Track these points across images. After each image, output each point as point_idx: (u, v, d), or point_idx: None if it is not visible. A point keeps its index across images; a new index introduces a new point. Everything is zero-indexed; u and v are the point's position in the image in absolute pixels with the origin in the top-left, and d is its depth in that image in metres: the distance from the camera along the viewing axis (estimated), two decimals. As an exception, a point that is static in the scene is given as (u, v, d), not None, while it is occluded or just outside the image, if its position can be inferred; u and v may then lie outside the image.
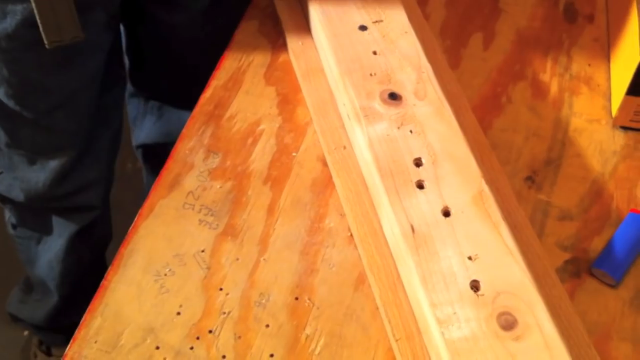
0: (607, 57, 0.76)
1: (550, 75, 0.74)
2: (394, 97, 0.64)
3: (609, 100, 0.72)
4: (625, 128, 0.70)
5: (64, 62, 0.76)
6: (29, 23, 0.69)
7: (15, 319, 1.17)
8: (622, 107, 0.69)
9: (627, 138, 0.69)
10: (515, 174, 0.66)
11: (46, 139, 0.84)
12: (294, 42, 0.74)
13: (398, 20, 0.70)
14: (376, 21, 0.70)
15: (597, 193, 0.65)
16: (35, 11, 0.63)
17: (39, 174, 0.87)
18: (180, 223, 0.61)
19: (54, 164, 0.85)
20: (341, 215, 0.62)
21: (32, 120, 0.81)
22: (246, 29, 0.77)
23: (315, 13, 0.71)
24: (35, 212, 0.97)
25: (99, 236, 1.05)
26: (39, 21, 0.64)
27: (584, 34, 0.78)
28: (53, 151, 0.85)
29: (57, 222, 0.95)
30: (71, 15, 0.64)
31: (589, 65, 0.75)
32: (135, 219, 0.61)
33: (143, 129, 1.04)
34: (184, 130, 0.67)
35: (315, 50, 0.73)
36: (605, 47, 0.77)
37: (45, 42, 0.64)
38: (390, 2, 0.71)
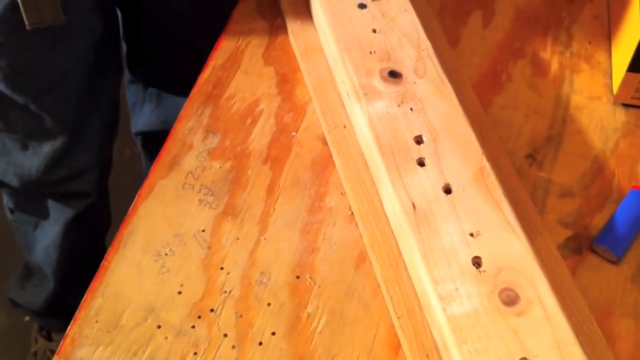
0: (607, 35, 0.75)
1: (550, 53, 0.74)
2: (393, 74, 0.63)
3: (610, 77, 0.72)
4: (626, 105, 0.70)
5: (52, 45, 0.76)
6: (15, 6, 0.68)
7: (15, 305, 1.17)
8: (623, 84, 0.68)
9: (629, 115, 0.69)
10: (516, 151, 0.66)
11: (37, 123, 0.83)
12: (292, 22, 0.73)
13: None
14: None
15: (598, 170, 0.65)
16: None
17: (32, 159, 0.87)
18: (179, 203, 0.61)
19: (46, 149, 0.85)
20: (342, 194, 0.62)
21: (22, 104, 0.81)
22: (243, 9, 0.76)
23: (313, -9, 0.70)
24: (30, 197, 0.97)
25: (96, 222, 1.04)
26: (20, 3, 0.63)
27: (584, 11, 0.78)
28: (44, 135, 0.84)
29: (53, 207, 0.95)
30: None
31: (590, 42, 0.75)
32: (135, 199, 0.61)
33: (142, 116, 1.03)
34: (182, 111, 0.67)
35: (314, 30, 0.72)
36: (605, 25, 0.76)
37: (26, 23, 0.63)
38: (389, -21, 0.71)
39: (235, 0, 0.77)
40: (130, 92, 1.04)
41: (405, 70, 0.64)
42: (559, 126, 0.68)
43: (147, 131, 1.05)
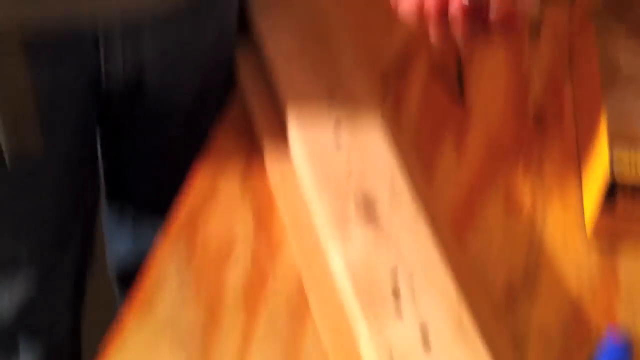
0: (578, 169, 0.77)
1: (522, 185, 0.75)
2: (368, 213, 0.64)
3: (582, 212, 0.73)
4: (600, 241, 0.70)
5: (22, 184, 0.75)
6: None
7: None
8: (597, 223, 0.69)
9: (602, 252, 0.70)
10: (492, 290, 0.66)
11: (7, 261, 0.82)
12: (270, 151, 0.74)
13: (373, 132, 0.70)
14: (351, 133, 0.70)
15: (575, 311, 0.65)
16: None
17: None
18: (151, 352, 0.59)
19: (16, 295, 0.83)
20: (318, 338, 0.60)
21: None
22: (222, 137, 0.76)
23: (291, 125, 0.71)
24: None
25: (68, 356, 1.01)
26: (2, 132, 0.63)
27: (555, 144, 0.79)
28: (13, 275, 0.83)
29: (23, 346, 0.92)
30: (33, 128, 0.64)
31: (561, 176, 0.76)
32: (105, 349, 0.59)
33: (118, 243, 1.02)
34: (156, 251, 0.66)
35: (292, 160, 0.73)
36: (576, 158, 0.78)
37: (7, 162, 0.63)
38: (365, 113, 0.72)
39: (214, 124, 0.77)
40: (107, 219, 1.03)
41: (380, 207, 0.64)
42: (534, 265, 0.68)
43: (121, 269, 1.04)
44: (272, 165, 0.73)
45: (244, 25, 0.83)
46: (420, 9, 0.64)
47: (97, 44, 0.71)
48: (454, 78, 0.85)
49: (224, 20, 0.81)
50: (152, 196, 0.93)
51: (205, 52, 0.80)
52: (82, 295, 0.97)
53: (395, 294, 0.58)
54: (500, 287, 0.66)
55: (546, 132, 0.81)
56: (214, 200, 0.71)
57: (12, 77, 0.65)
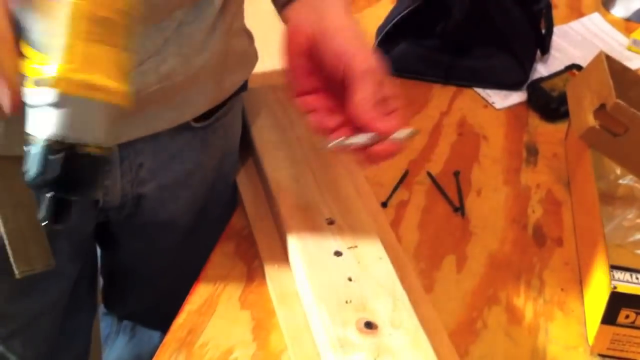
0: (579, 281, 0.77)
1: (524, 299, 0.75)
2: (369, 326, 0.63)
3: (585, 326, 0.72)
4: (603, 356, 0.69)
5: (27, 290, 0.75)
6: None
7: None
8: (598, 336, 0.68)
9: (606, 366, 0.69)
10: (496, 406, 0.64)
11: None
12: (269, 265, 0.74)
13: (372, 245, 0.71)
14: (351, 247, 0.71)
15: None
16: (6, 241, 0.63)
17: None
18: None
19: None
20: None
21: None
22: (222, 251, 0.78)
23: (291, 238, 0.72)
24: None
25: None
26: (9, 251, 0.64)
27: (554, 257, 0.80)
28: None
29: None
30: (43, 244, 0.64)
31: (562, 289, 0.76)
32: None
33: (115, 348, 1.01)
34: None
35: (291, 274, 0.73)
36: (576, 270, 0.78)
37: (16, 272, 0.63)
38: (364, 227, 0.73)
39: (215, 239, 0.78)
40: (105, 323, 1.02)
41: (381, 321, 0.64)
42: (538, 379, 0.67)
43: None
44: (272, 276, 0.73)
45: (244, 142, 0.86)
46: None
47: None
48: (454, 190, 0.87)
49: (229, 138, 0.84)
50: (151, 307, 0.93)
51: (209, 169, 0.82)
52: None
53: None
54: (503, 403, 0.65)
55: (545, 245, 0.81)
56: (213, 313, 0.71)
57: (19, 197, 0.66)
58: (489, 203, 0.86)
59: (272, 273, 0.74)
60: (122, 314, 0.99)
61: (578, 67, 1.02)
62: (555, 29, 1.12)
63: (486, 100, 1.02)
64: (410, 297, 0.66)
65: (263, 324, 0.70)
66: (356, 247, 0.71)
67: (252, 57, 0.82)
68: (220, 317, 0.70)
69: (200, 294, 0.72)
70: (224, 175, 0.84)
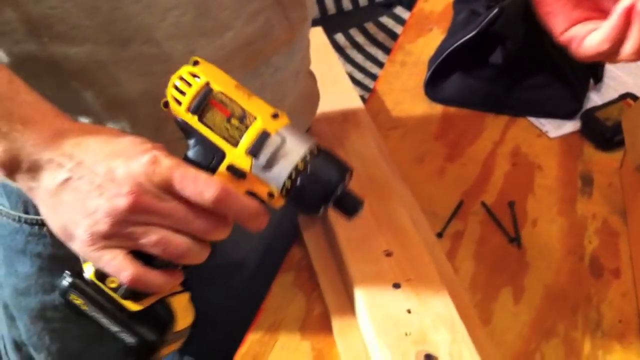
0: (637, 314, 0.77)
1: (582, 332, 0.75)
2: (429, 358, 0.65)
3: (644, 359, 0.72)
4: (663, 390, 0.69)
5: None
6: None
7: None
8: (659, 370, 0.68)
9: (667, 401, 0.68)
10: None
11: None
12: (329, 296, 0.76)
13: (430, 278, 0.73)
14: (409, 279, 0.72)
15: None
16: None
17: None
18: None
19: None
20: None
21: None
22: (282, 282, 0.80)
23: (350, 270, 0.73)
24: None
25: None
26: None
27: (612, 288, 0.80)
28: None
29: None
30: None
31: (620, 321, 0.76)
32: None
33: None
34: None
35: (351, 304, 0.75)
36: (634, 302, 0.78)
37: None
38: (422, 259, 0.74)
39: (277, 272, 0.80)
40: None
41: (441, 354, 0.65)
42: (598, 413, 0.67)
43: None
44: (332, 307, 0.75)
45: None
46: None
47: None
48: (508, 220, 0.88)
49: None
50: (213, 343, 0.94)
51: (274, 218, 0.84)
52: None
53: None
54: None
55: (602, 276, 0.81)
56: (275, 343, 0.73)
57: None
58: (544, 234, 0.87)
59: (332, 304, 0.75)
60: (184, 351, 1.01)
61: (633, 96, 1.02)
62: (608, 57, 1.12)
63: (539, 130, 1.02)
64: (467, 329, 0.68)
65: (323, 355, 0.72)
66: (414, 279, 0.72)
67: (317, 97, 0.84)
68: (282, 347, 0.72)
69: (262, 324, 0.74)
70: (291, 212, 0.86)
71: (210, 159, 0.55)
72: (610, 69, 1.13)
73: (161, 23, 0.60)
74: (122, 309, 0.55)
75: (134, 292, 0.55)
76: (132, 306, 0.55)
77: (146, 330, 0.55)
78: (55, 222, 0.54)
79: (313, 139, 0.56)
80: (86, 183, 0.51)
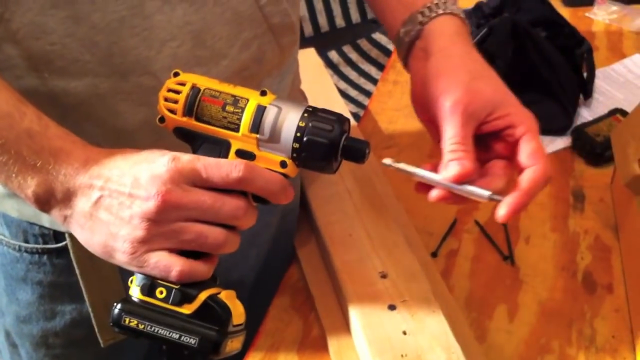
0: (630, 328, 0.78)
1: (576, 348, 0.76)
2: (425, 380, 0.66)
3: (638, 374, 0.73)
4: (657, 405, 0.70)
5: (106, 358, 0.79)
6: (76, 322, 0.73)
7: None
8: (652, 385, 0.69)
9: (661, 415, 0.69)
10: None
11: None
12: (326, 318, 0.77)
13: (425, 298, 0.73)
14: (404, 300, 0.73)
15: None
16: (91, 312, 0.66)
17: None
18: None
19: None
20: None
21: None
22: (279, 304, 0.81)
23: (346, 292, 0.74)
24: None
25: None
26: (93, 322, 0.67)
27: (605, 304, 0.81)
28: None
29: None
30: None
31: (613, 337, 0.77)
32: None
33: None
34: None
35: (348, 326, 0.76)
36: (626, 318, 0.79)
37: (100, 341, 0.67)
38: (417, 280, 0.75)
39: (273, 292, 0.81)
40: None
41: (437, 375, 0.66)
42: None
43: None
44: (328, 330, 0.76)
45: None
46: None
47: None
48: (502, 238, 0.89)
49: (288, 215, 0.88)
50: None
51: (274, 226, 0.85)
52: None
53: None
54: None
55: (596, 292, 0.82)
56: (274, 364, 0.74)
57: (102, 269, 0.70)
58: (538, 250, 0.88)
59: (329, 326, 0.76)
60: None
61: (622, 112, 1.04)
62: (598, 72, 1.14)
63: (531, 146, 1.04)
64: (463, 348, 0.68)
65: (321, 376, 0.73)
66: (409, 299, 0.73)
67: None
68: (280, 370, 0.73)
69: (261, 346, 0.75)
70: (286, 231, 0.87)
71: (217, 153, 0.57)
72: (599, 83, 1.15)
73: (159, 55, 0.61)
74: (177, 314, 0.55)
75: (184, 296, 0.56)
76: (185, 310, 0.55)
77: (205, 326, 0.55)
78: (94, 243, 0.55)
79: (303, 101, 0.58)
80: (117, 196, 0.53)
